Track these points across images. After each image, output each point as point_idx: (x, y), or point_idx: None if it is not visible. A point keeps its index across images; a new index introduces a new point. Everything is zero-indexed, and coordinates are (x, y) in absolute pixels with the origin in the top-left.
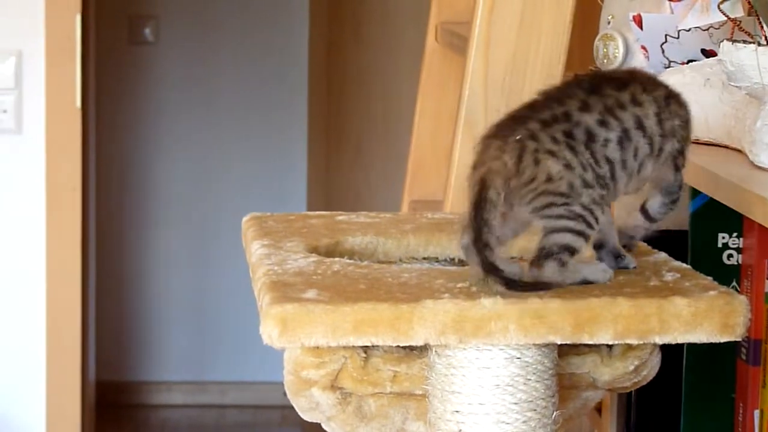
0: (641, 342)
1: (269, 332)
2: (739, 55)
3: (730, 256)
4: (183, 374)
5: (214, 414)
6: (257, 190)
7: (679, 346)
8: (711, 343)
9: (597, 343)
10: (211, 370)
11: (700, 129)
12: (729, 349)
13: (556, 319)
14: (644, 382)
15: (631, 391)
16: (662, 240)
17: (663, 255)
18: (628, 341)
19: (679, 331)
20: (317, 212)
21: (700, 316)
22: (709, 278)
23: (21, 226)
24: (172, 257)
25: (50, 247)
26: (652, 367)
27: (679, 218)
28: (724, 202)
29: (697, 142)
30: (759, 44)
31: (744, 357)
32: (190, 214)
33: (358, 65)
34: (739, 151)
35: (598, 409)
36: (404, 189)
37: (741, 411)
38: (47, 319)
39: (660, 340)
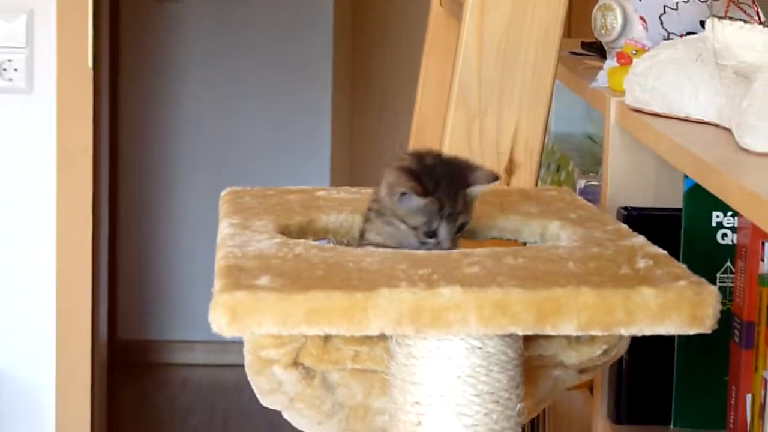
0: (606, 334)
1: (218, 321)
2: (725, 33)
3: (724, 235)
4: (205, 334)
5: (236, 373)
6: (281, 149)
7: None
8: None
9: (561, 334)
10: None
11: (690, 106)
12: (722, 330)
13: (518, 309)
14: (613, 360)
15: (623, 372)
16: (654, 219)
17: (641, 239)
18: (593, 333)
19: (645, 323)
20: (297, 188)
21: (668, 307)
22: (683, 266)
23: (31, 186)
24: (194, 217)
25: (60, 208)
26: (621, 347)
27: (672, 196)
28: (705, 186)
29: (688, 120)
30: (745, 21)
31: (737, 339)
32: (213, 174)
33: (383, 21)
34: (729, 130)
35: (590, 388)
36: None
37: (733, 394)
38: (57, 279)
39: (626, 332)
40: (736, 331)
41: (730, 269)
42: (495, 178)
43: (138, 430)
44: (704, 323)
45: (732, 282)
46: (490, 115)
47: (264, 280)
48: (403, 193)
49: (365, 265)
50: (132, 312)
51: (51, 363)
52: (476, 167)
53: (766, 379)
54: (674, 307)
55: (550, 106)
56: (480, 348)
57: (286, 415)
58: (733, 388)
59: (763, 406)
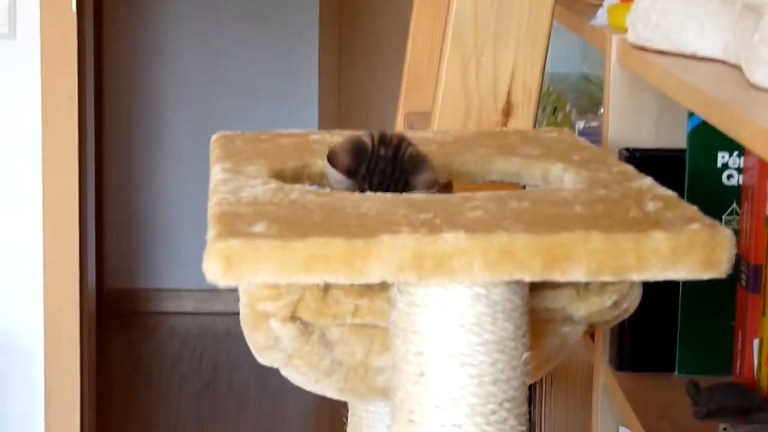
0: (617, 280)
1: (212, 270)
2: None
3: (729, 176)
4: (193, 282)
5: (224, 321)
6: (268, 97)
7: None
8: None
9: (570, 280)
10: None
11: (696, 42)
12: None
13: (525, 255)
14: (625, 316)
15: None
16: (657, 160)
17: (648, 180)
18: (603, 279)
19: (657, 268)
20: (290, 131)
21: (680, 251)
22: (694, 207)
23: (16, 133)
24: (181, 164)
25: (46, 156)
26: (632, 300)
27: (675, 136)
28: (715, 125)
29: (694, 57)
30: None
31: (744, 283)
32: (200, 121)
33: None
34: (738, 67)
35: (591, 334)
36: (399, 101)
37: (740, 340)
38: (44, 229)
39: (638, 278)
40: (743, 275)
41: (736, 211)
42: (432, 185)
43: (126, 379)
44: (718, 268)
45: (738, 224)
46: (487, 55)
47: (260, 227)
48: (329, 158)
49: (364, 211)
50: (120, 261)
51: (39, 313)
52: (422, 171)
53: None
54: (687, 251)
55: (548, 45)
56: (485, 295)
57: (284, 373)
58: (740, 333)
59: None
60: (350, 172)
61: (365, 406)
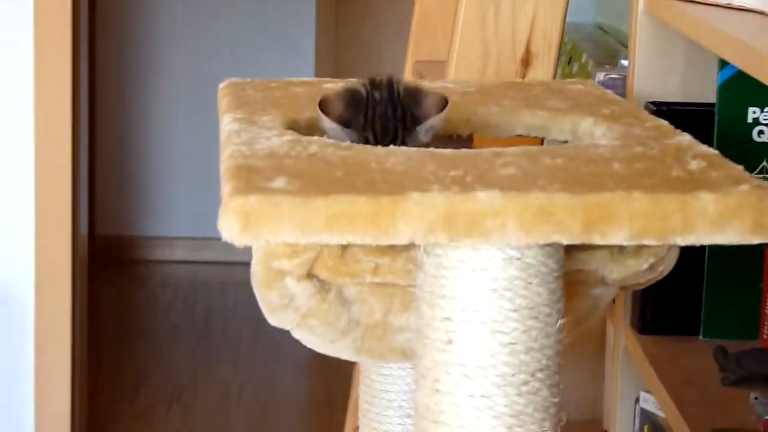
0: (660, 243)
1: (229, 228)
2: None
3: (761, 132)
4: (186, 230)
5: (220, 271)
6: (265, 44)
7: None
8: None
9: (610, 243)
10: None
11: None
12: None
13: (563, 216)
14: (659, 278)
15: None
16: (685, 114)
17: (687, 137)
18: (645, 242)
19: (704, 232)
20: (302, 79)
21: (729, 214)
22: (740, 167)
23: (7, 78)
24: (176, 111)
25: (38, 101)
26: (668, 263)
27: (702, 90)
28: (755, 76)
29: (730, 7)
30: None
31: None
32: (196, 67)
33: None
34: None
35: None
36: (408, 49)
37: (767, 303)
38: (36, 173)
39: (683, 242)
40: None
41: (766, 168)
42: (442, 104)
43: (118, 328)
44: None
45: None
46: (506, 2)
47: (279, 183)
48: (320, 106)
49: (389, 166)
50: (111, 207)
51: (30, 258)
52: (424, 98)
53: None
54: (736, 214)
55: None
56: (518, 258)
57: (296, 334)
58: (767, 295)
59: None
60: (345, 122)
61: (379, 369)
